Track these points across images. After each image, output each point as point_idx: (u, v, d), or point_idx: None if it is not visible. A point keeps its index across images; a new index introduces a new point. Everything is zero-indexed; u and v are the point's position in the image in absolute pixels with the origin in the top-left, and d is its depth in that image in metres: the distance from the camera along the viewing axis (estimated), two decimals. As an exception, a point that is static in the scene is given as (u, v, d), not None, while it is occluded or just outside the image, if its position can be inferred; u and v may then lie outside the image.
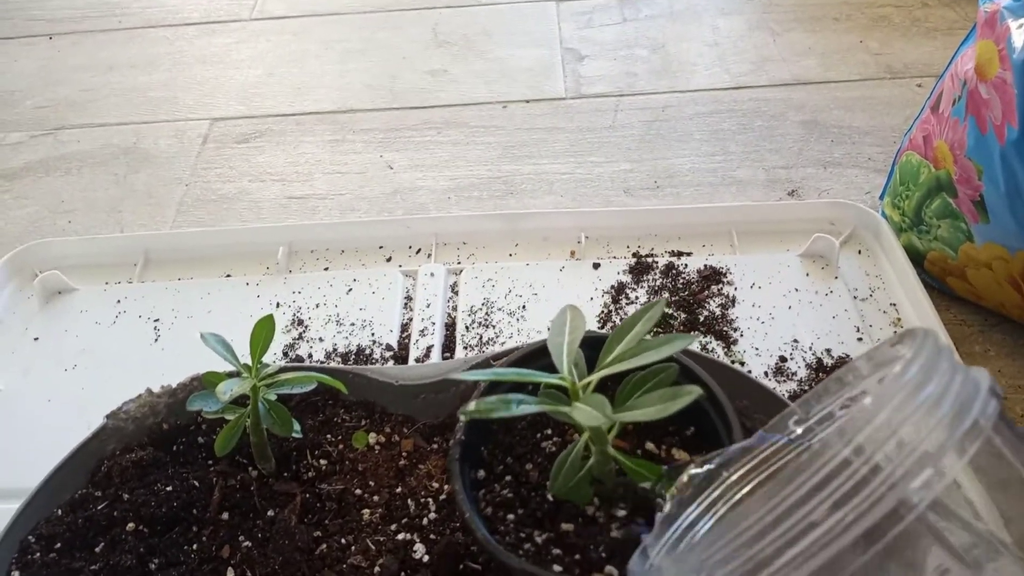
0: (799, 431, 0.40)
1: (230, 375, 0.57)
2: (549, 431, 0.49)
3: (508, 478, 0.46)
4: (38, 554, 0.56)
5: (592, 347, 0.47)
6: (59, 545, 0.57)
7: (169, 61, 1.26)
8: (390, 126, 1.09)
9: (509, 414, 0.40)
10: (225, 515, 0.58)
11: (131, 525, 0.57)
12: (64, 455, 0.60)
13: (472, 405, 0.41)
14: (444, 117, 1.09)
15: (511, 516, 0.44)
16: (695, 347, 0.76)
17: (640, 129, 1.04)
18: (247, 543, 0.56)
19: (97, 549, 0.57)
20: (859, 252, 0.85)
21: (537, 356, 0.53)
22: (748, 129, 1.03)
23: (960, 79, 0.70)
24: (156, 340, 0.81)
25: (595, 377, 0.43)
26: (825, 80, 1.09)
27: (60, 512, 0.58)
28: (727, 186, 0.95)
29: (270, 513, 0.58)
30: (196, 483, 0.59)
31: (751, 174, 0.97)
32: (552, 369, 0.45)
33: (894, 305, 0.79)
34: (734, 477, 0.38)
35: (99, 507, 0.58)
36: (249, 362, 0.56)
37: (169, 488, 0.58)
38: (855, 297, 0.80)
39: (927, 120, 0.76)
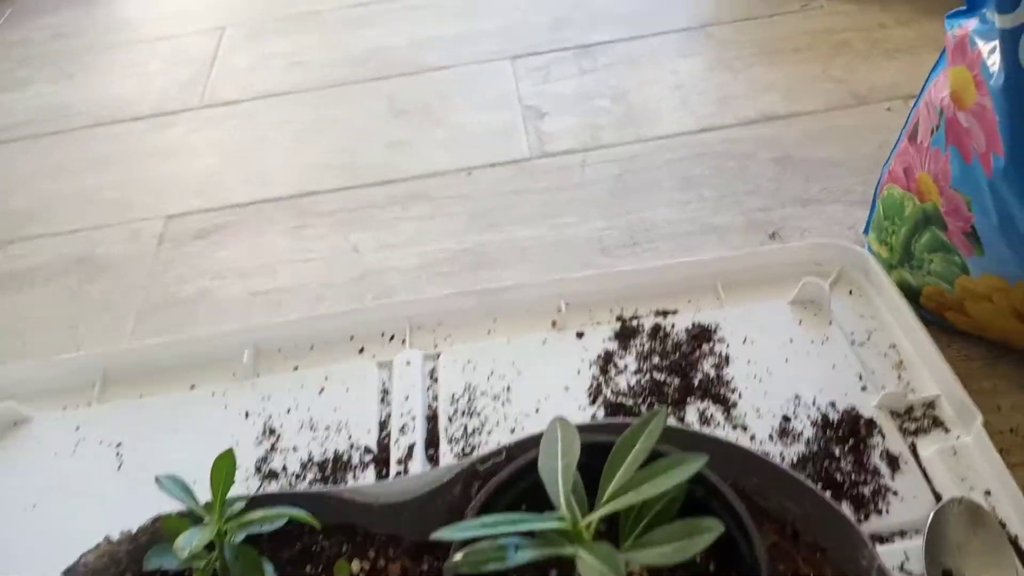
0: None
1: (190, 515, 0.52)
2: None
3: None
4: None
5: (589, 455, 0.42)
6: None
7: (120, 159, 1.22)
8: (353, 205, 1.05)
9: (504, 567, 0.36)
10: (200, 673, 0.52)
11: None
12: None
13: (460, 556, 0.36)
14: (408, 190, 1.05)
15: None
16: (693, 416, 0.72)
17: (610, 183, 1.01)
18: None
19: None
20: (850, 292, 0.81)
21: (529, 470, 0.47)
22: (720, 172, 1.00)
23: (936, 107, 0.67)
24: (119, 468, 0.76)
25: (596, 516, 0.38)
26: (791, 113, 1.07)
27: None
28: (706, 234, 0.92)
29: (249, 664, 0.52)
30: (166, 639, 0.53)
31: (729, 219, 0.93)
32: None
33: (894, 347, 0.75)
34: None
35: None
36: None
37: (136, 648, 0.53)
38: (852, 342, 0.76)
39: (905, 151, 0.73)
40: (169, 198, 1.12)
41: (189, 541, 0.46)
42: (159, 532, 0.57)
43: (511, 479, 0.47)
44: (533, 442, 0.57)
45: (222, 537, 0.49)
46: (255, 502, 0.54)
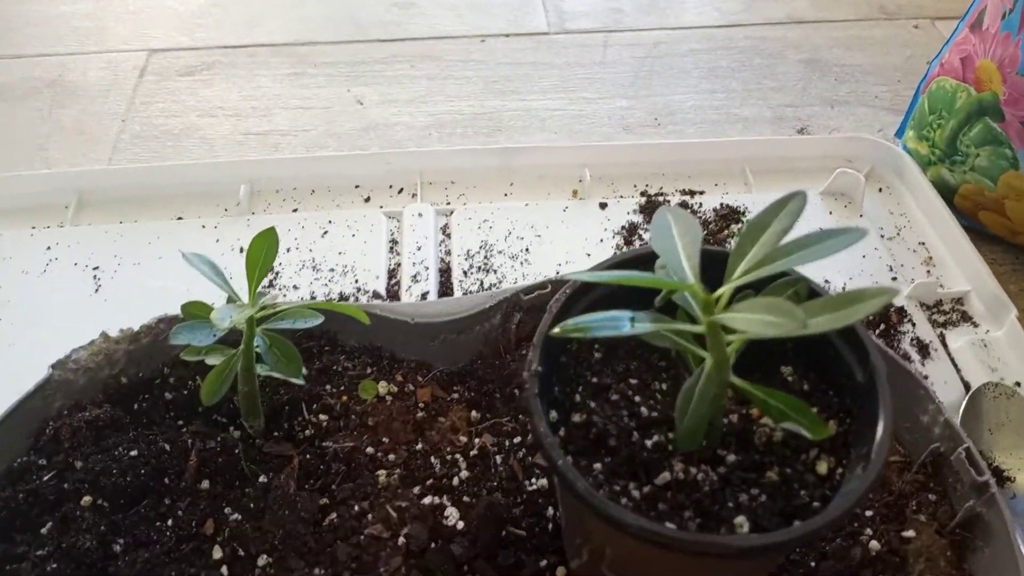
0: None
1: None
2: (634, 364, 0.40)
3: (587, 419, 0.37)
4: (-33, 538, 0.45)
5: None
6: (-5, 525, 0.46)
7: (95, -12, 1.11)
8: (356, 59, 0.98)
9: (620, 333, 0.32)
10: (205, 483, 0.48)
11: (87, 499, 0.46)
12: (-4, 415, 0.49)
13: (567, 324, 0.32)
14: (416, 50, 0.99)
15: (598, 465, 0.36)
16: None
17: (632, 66, 0.96)
18: (236, 515, 0.46)
19: (44, 530, 0.46)
20: (880, 190, 0.79)
21: (627, 265, 0.43)
22: (747, 67, 0.96)
23: (1012, -10, 0.64)
24: (97, 290, 0.69)
25: (733, 285, 0.34)
26: (820, 20, 1.03)
27: (-5, 485, 0.47)
28: (732, 123, 0.88)
29: (262, 479, 0.48)
30: (167, 447, 0.48)
31: (756, 111, 0.90)
32: (632, 293, 0.37)
33: (923, 244, 0.74)
34: None
35: (45, 478, 0.47)
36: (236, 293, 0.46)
37: (133, 453, 0.48)
38: (882, 236, 0.74)
39: (965, 40, 0.70)
40: (151, 33, 1.03)
41: (227, 314, 0.40)
42: (162, 334, 0.52)
43: (586, 286, 0.42)
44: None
45: (252, 325, 0.44)
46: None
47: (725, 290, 0.34)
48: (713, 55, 0.98)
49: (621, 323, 0.32)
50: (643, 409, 0.38)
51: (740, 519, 0.34)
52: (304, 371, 0.52)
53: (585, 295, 0.40)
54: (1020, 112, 0.64)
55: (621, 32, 1.01)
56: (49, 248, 0.73)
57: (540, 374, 0.36)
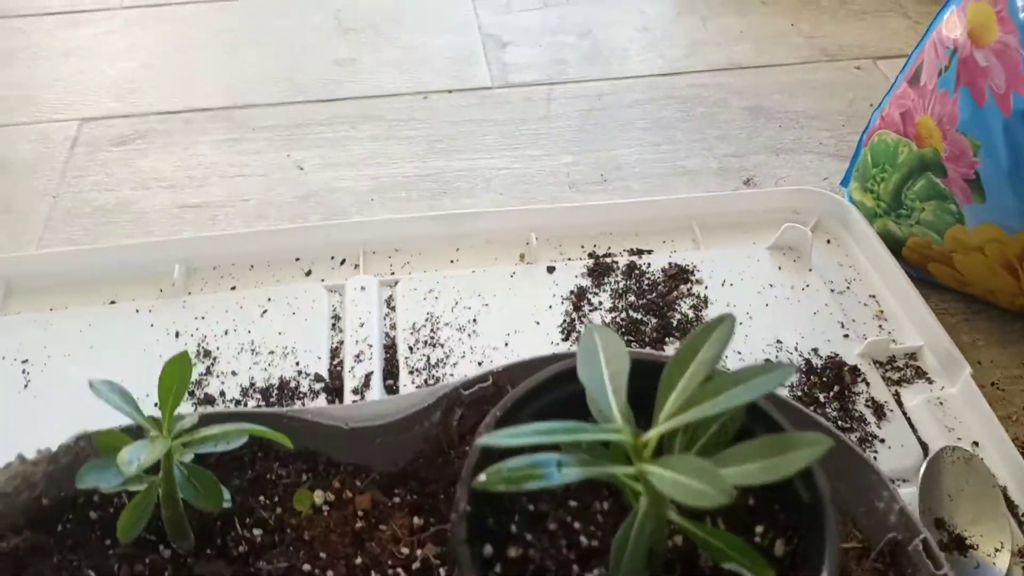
0: None
1: (128, 431, 0.44)
2: (573, 485, 0.38)
3: (524, 552, 0.35)
4: None
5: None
6: None
7: (26, 56, 1.08)
8: (295, 122, 0.96)
9: (548, 484, 0.30)
10: (133, 612, 0.45)
11: (5, 639, 0.43)
12: (-96, 552, 0.45)
13: (491, 473, 0.30)
14: (357, 110, 0.97)
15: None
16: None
17: (577, 119, 0.95)
18: (165, 648, 0.43)
19: (-43, 677, 0.42)
20: (828, 242, 0.79)
21: (557, 382, 0.41)
22: (691, 116, 0.96)
23: (946, 47, 0.64)
24: (26, 386, 0.66)
25: (660, 430, 0.33)
26: (762, 64, 1.04)
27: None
28: (678, 176, 0.87)
29: (193, 605, 0.45)
30: (91, 573, 0.45)
31: (702, 163, 0.89)
32: (581, 398, 0.35)
33: (873, 297, 0.73)
34: None
35: (-42, 620, 0.44)
36: (153, 413, 0.43)
37: (55, 584, 0.45)
38: (832, 290, 0.74)
39: (904, 95, 0.70)
40: (83, 101, 1.00)
41: (136, 455, 0.38)
42: (83, 453, 0.49)
43: (530, 394, 0.40)
44: (522, 368, 0.52)
45: (171, 455, 0.41)
46: (205, 419, 0.46)
47: (652, 435, 0.33)
48: (657, 105, 0.97)
49: (548, 471, 0.30)
50: (583, 538, 0.36)
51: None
52: (236, 482, 0.50)
53: (518, 410, 0.38)
54: (962, 169, 0.64)
55: (565, 84, 1.01)
56: (-26, 341, 0.69)
57: (468, 514, 0.34)
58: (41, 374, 0.67)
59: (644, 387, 0.35)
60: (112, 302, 0.73)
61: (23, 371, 0.67)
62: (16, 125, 0.96)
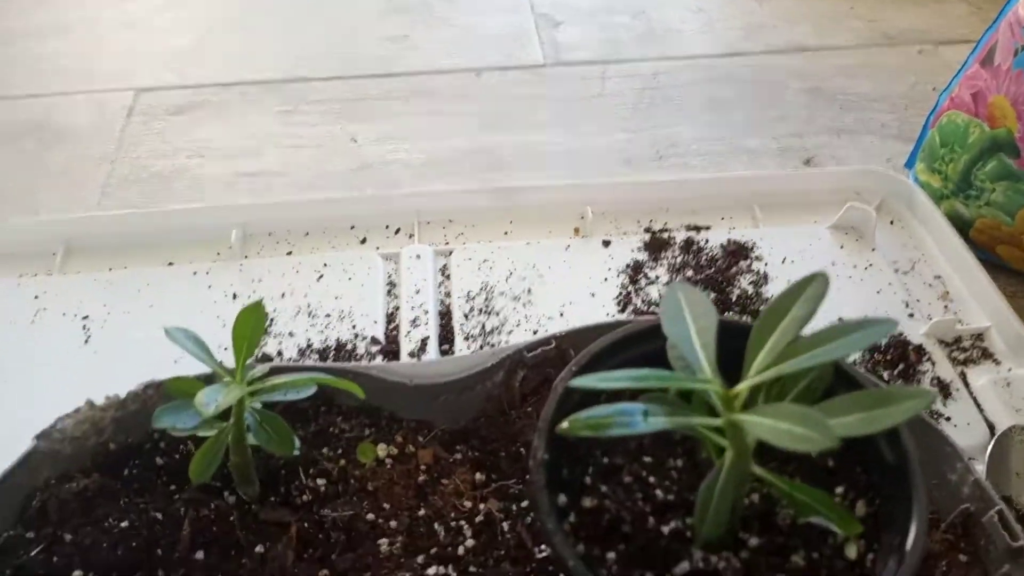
0: None
1: (201, 380, 0.44)
2: (647, 440, 0.38)
3: (599, 503, 0.34)
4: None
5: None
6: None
7: (82, 27, 1.09)
8: (349, 96, 0.96)
9: (633, 431, 0.29)
10: (199, 554, 0.45)
11: (77, 573, 0.44)
12: (-21, 490, 0.46)
13: (574, 420, 0.29)
14: (410, 86, 0.97)
15: (611, 554, 0.33)
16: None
17: (632, 98, 0.94)
18: (230, 591, 0.43)
19: (29, 610, 0.43)
20: (891, 223, 0.77)
21: (638, 340, 0.40)
22: (749, 96, 0.94)
23: (1022, 26, 0.63)
24: (87, 341, 0.66)
25: (751, 382, 0.32)
26: (822, 47, 1.02)
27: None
28: (737, 155, 0.86)
29: (259, 549, 0.45)
30: (159, 516, 0.46)
31: (761, 143, 0.88)
32: (655, 359, 0.34)
33: (939, 278, 0.72)
34: None
35: (33, 552, 0.45)
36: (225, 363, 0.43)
37: (124, 524, 0.45)
38: (896, 270, 0.72)
39: (976, 75, 0.69)
40: (139, 71, 1.01)
41: (213, 398, 0.38)
42: (151, 400, 0.49)
43: (606, 351, 0.39)
44: (586, 333, 0.51)
45: (243, 401, 0.41)
46: (275, 371, 0.46)
47: (744, 387, 0.32)
48: (714, 85, 0.96)
49: (634, 419, 0.30)
50: (658, 492, 0.35)
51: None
52: (300, 434, 0.50)
53: (593, 366, 0.38)
54: (1036, 145, 0.63)
55: (619, 63, 1.00)
56: (37, 297, 0.70)
57: (547, 461, 0.33)
58: (101, 330, 0.67)
59: (724, 349, 0.34)
60: (170, 263, 0.73)
61: (83, 327, 0.68)
62: (73, 94, 0.97)
